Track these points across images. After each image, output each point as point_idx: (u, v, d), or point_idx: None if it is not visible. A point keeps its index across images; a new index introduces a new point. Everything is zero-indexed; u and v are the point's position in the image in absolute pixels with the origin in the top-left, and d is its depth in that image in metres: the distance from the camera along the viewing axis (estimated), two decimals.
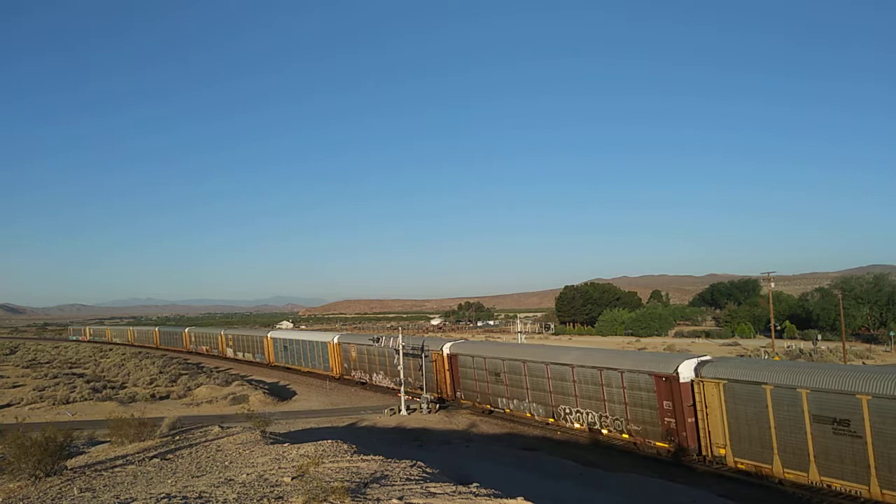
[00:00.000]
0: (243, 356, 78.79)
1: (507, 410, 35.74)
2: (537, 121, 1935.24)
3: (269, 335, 74.08)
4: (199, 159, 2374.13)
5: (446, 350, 41.35)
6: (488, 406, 37.31)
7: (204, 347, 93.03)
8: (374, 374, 49.66)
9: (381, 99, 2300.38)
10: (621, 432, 28.11)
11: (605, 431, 29.15)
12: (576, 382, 30.52)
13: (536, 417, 33.51)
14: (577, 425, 30.66)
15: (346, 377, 55.30)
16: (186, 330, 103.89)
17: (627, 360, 29.35)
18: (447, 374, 40.92)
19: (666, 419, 25.86)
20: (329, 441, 18.63)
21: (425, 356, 42.80)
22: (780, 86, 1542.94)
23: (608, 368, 28.78)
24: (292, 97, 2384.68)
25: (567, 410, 31.22)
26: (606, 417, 28.88)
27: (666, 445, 26.04)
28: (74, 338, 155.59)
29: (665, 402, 25.84)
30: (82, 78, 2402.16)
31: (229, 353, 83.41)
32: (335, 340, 57.44)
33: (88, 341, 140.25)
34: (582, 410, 30.31)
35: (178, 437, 23.70)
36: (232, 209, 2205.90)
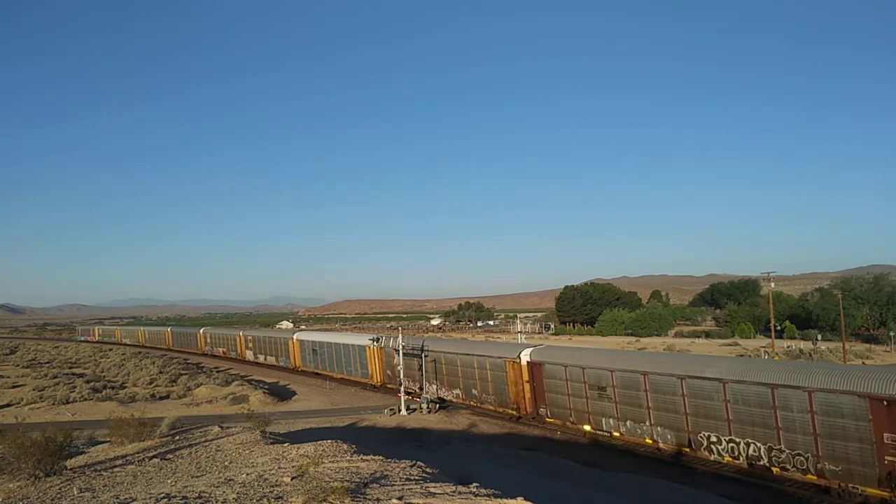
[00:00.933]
0: (265, 359, 73.49)
1: (617, 434, 29.42)
2: (537, 121, 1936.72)
3: (294, 337, 68.15)
4: (199, 159, 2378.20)
5: (526, 357, 35.22)
6: (587, 427, 31.02)
7: (221, 349, 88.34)
8: (428, 385, 43.48)
9: (380, 98, 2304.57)
10: (805, 472, 21.94)
11: (775, 469, 22.82)
12: (729, 403, 24.25)
13: (662, 445, 27.13)
14: (727, 458, 24.37)
15: (388, 385, 48.86)
16: (201, 331, 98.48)
17: (818, 375, 22.44)
18: (526, 385, 35.01)
19: (887, 458, 19.81)
20: (329, 441, 18.59)
21: (425, 357, 42.86)
22: (780, 86, 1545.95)
23: (786, 386, 22.50)
24: (292, 97, 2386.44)
25: (713, 439, 24.87)
26: (780, 451, 22.60)
27: (886, 494, 19.98)
28: (83, 338, 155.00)
29: (887, 436, 19.91)
30: (82, 78, 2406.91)
31: (249, 355, 77.92)
32: (376, 344, 51.44)
33: (98, 342, 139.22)
34: (738, 440, 23.91)
35: (177, 437, 23.67)
36: (232, 209, 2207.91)
